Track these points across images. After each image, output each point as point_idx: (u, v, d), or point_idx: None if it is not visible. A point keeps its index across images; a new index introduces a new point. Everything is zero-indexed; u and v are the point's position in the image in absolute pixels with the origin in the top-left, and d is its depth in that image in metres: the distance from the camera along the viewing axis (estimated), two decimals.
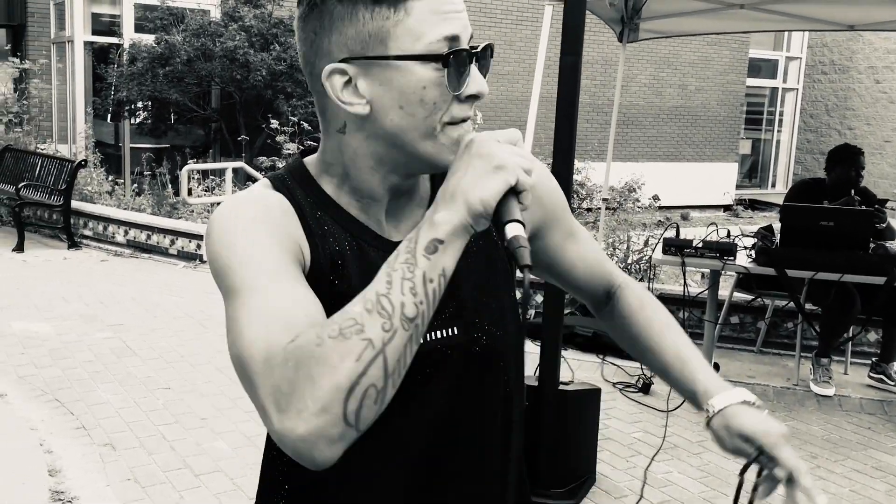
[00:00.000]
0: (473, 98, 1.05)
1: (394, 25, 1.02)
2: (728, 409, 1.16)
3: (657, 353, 1.27)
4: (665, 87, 16.64)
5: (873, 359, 5.30)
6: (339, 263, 1.08)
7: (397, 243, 1.00)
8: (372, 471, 1.12)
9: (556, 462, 3.57)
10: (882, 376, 5.18)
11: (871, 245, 4.56)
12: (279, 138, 9.74)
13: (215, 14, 11.63)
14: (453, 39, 1.03)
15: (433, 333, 1.10)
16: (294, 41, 10.59)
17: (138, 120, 12.25)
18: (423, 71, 1.02)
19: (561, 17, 3.36)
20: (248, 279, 0.98)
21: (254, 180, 9.40)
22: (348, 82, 1.04)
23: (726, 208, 16.74)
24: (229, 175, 8.13)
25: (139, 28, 11.84)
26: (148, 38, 11.20)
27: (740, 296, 5.77)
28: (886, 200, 5.05)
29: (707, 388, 1.19)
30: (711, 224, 5.04)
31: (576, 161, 4.39)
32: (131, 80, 10.91)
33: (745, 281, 5.41)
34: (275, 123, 9.88)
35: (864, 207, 4.78)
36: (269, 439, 1.19)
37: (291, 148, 9.46)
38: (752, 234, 5.04)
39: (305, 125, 9.88)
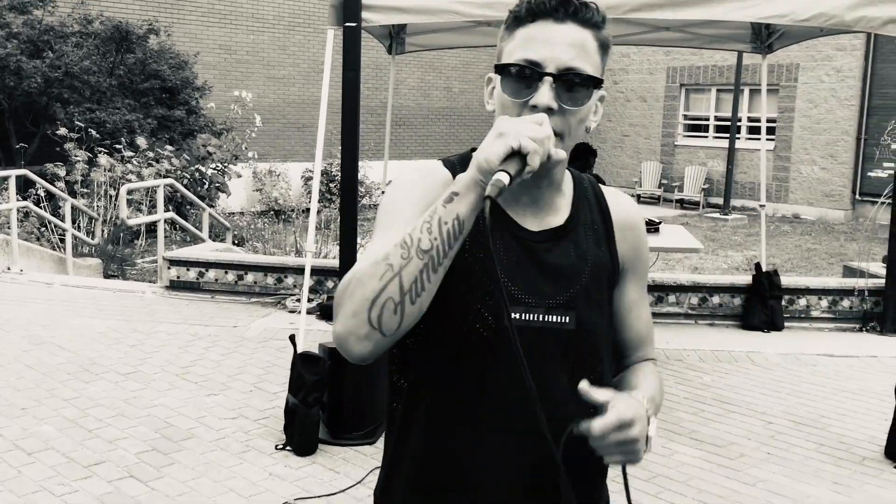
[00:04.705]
0: (538, 108, 1.24)
1: (505, 45, 1.31)
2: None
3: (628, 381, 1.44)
4: (432, 90, 17.91)
5: None
6: None
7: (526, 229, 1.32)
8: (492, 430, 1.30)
9: (356, 410, 4.29)
10: None
11: None
12: (67, 145, 9.69)
13: None
14: (533, 63, 1.25)
15: (548, 316, 1.31)
16: (67, 48, 10.44)
17: None
18: (499, 79, 1.30)
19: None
20: (381, 228, 1.30)
21: (34, 186, 9.30)
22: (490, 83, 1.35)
23: None
24: (13, 182, 8.08)
25: None
26: None
27: None
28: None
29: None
30: None
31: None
32: None
33: None
34: (63, 130, 9.82)
35: None
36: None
37: (81, 155, 9.45)
38: None
39: (93, 132, 9.89)
